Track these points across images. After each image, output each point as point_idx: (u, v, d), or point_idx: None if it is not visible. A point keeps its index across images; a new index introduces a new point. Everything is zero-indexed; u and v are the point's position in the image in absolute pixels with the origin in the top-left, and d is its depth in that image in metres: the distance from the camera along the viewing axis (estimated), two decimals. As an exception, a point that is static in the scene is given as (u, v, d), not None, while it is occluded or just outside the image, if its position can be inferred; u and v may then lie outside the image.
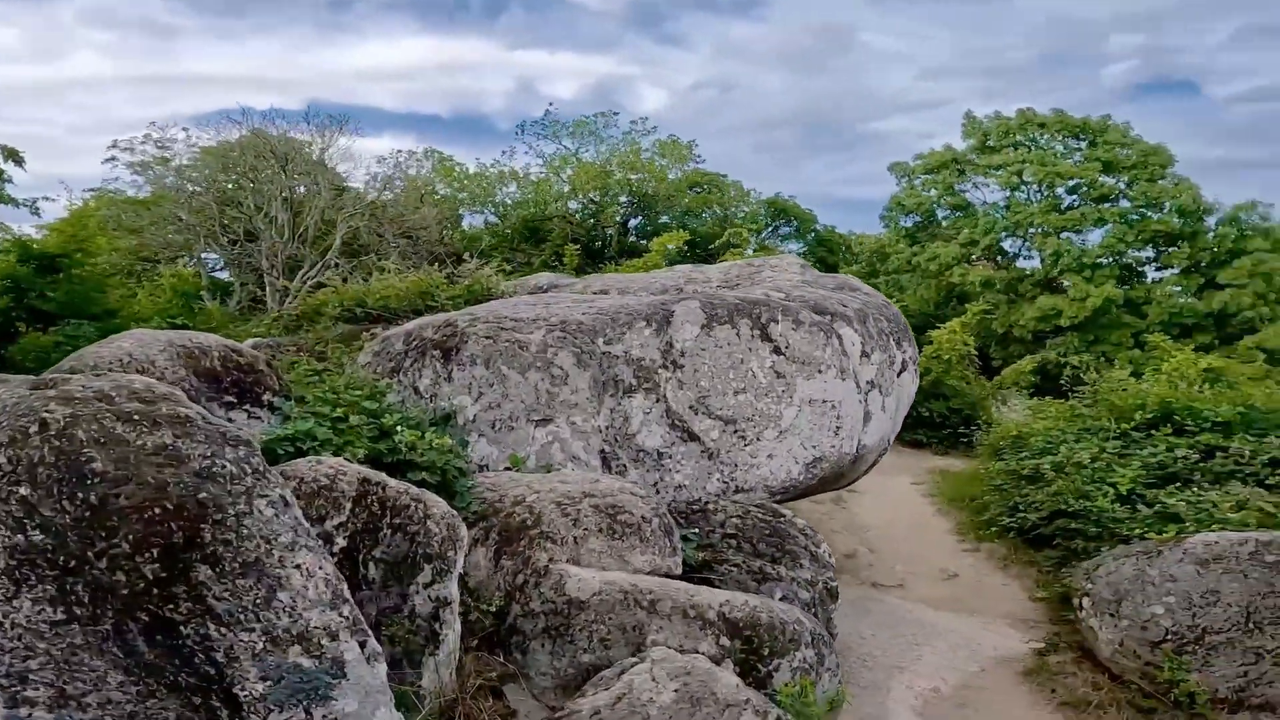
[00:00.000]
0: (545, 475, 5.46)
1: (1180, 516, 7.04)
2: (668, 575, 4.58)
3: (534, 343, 6.35)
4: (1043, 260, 19.76)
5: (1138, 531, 7.05)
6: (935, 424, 16.37)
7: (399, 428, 4.83)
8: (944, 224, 21.60)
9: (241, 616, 2.64)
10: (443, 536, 3.97)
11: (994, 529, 9.14)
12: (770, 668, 3.92)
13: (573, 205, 21.77)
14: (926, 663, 5.85)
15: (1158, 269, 19.32)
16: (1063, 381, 14.67)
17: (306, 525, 3.12)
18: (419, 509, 4.00)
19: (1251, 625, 4.92)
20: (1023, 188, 20.03)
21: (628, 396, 6.22)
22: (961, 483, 12.11)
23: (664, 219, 21.89)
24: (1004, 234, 20.17)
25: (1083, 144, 19.66)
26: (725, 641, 3.92)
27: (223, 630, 2.60)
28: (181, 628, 2.60)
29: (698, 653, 3.83)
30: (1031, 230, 19.66)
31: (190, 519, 2.73)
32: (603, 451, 6.10)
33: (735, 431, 6.01)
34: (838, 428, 5.92)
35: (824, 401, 5.92)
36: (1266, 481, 7.65)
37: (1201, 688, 4.89)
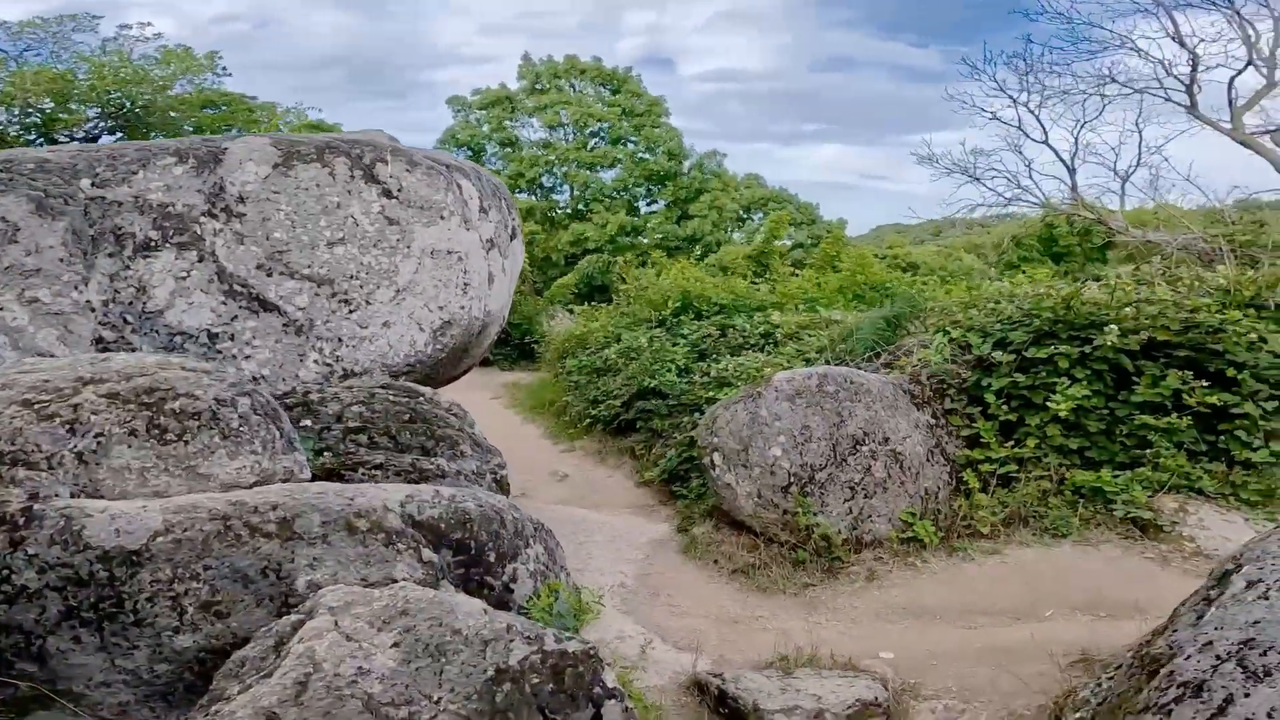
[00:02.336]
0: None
1: (729, 380, 7.93)
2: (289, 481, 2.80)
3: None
4: (573, 192, 21.23)
5: (704, 396, 7.71)
6: (499, 340, 16.19)
7: None
8: (493, 158, 21.43)
9: None
10: None
11: (584, 424, 9.25)
12: (505, 578, 2.57)
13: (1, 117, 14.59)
14: (598, 559, 5.19)
15: (649, 204, 22.59)
16: (609, 287, 15.88)
17: None
18: None
19: (838, 458, 5.10)
20: (561, 128, 21.02)
21: (145, 256, 3.88)
22: (537, 391, 12.17)
23: (158, 138, 16.31)
24: (544, 169, 20.96)
25: (608, 92, 21.52)
26: (430, 554, 2.38)
27: None
28: None
29: (393, 581, 2.29)
30: (564, 168, 20.88)
31: None
32: (101, 340, 3.71)
33: (335, 295, 4.23)
34: (466, 284, 4.61)
35: (449, 253, 4.55)
36: (765, 349, 9.26)
37: (833, 530, 4.89)
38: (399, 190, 4.52)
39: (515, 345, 15.96)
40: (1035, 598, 4.47)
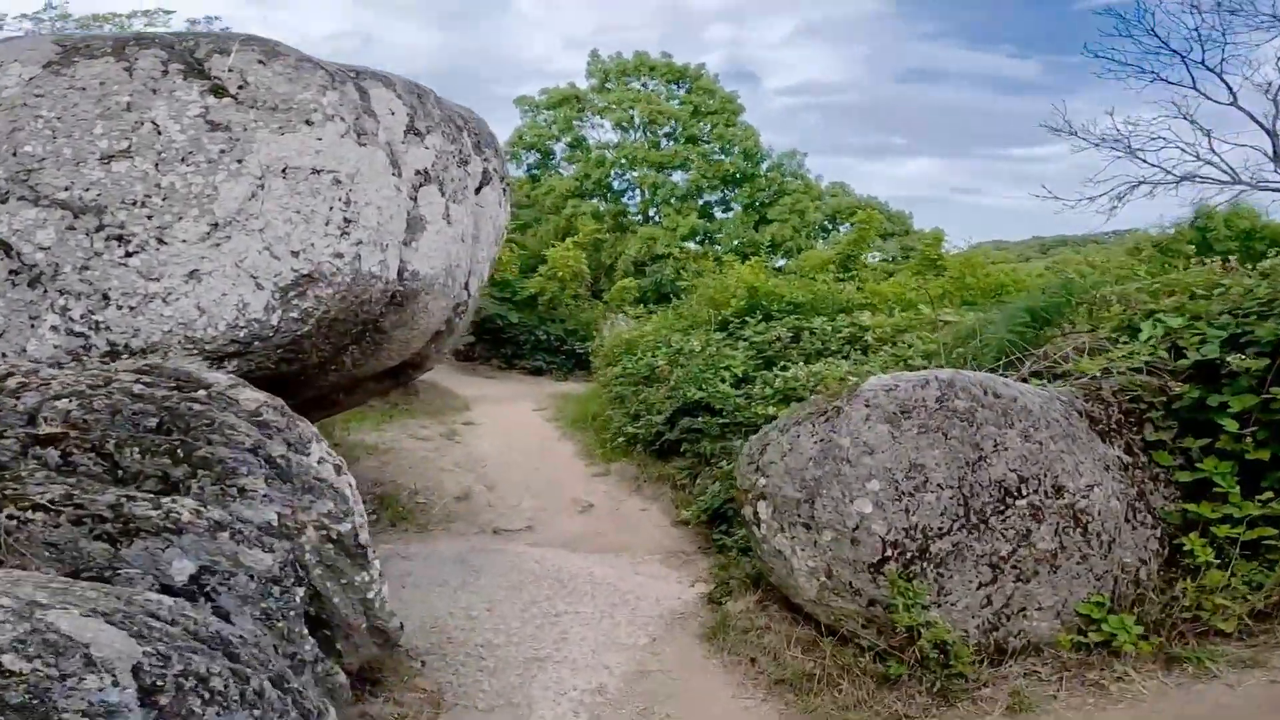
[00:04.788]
0: None
1: (798, 394, 5.75)
2: None
3: None
4: (643, 195, 19.45)
5: (763, 414, 5.61)
6: (553, 348, 14.59)
7: None
8: (561, 159, 20.05)
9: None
10: None
11: (620, 441, 7.49)
12: None
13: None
14: (577, 642, 3.43)
15: (724, 211, 20.54)
16: (677, 293, 14.02)
17: None
18: None
19: (974, 519, 2.98)
20: (631, 129, 19.37)
21: None
22: (583, 403, 10.48)
23: None
24: (613, 171, 19.32)
25: (681, 90, 19.69)
26: None
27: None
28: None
29: None
30: (634, 173, 19.19)
31: None
32: None
33: (101, 229, 2.51)
34: (347, 220, 2.74)
35: (316, 172, 2.72)
36: (850, 356, 7.02)
37: (954, 633, 2.88)
38: (240, 87, 2.77)
39: (569, 353, 14.24)
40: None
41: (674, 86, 19.72)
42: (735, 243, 18.61)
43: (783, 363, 6.95)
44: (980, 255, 13.86)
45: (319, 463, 2.39)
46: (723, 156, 19.20)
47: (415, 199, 3.28)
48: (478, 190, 4.05)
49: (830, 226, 21.05)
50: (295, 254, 2.65)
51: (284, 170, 2.68)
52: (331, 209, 2.73)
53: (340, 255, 2.72)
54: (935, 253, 15.05)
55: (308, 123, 2.74)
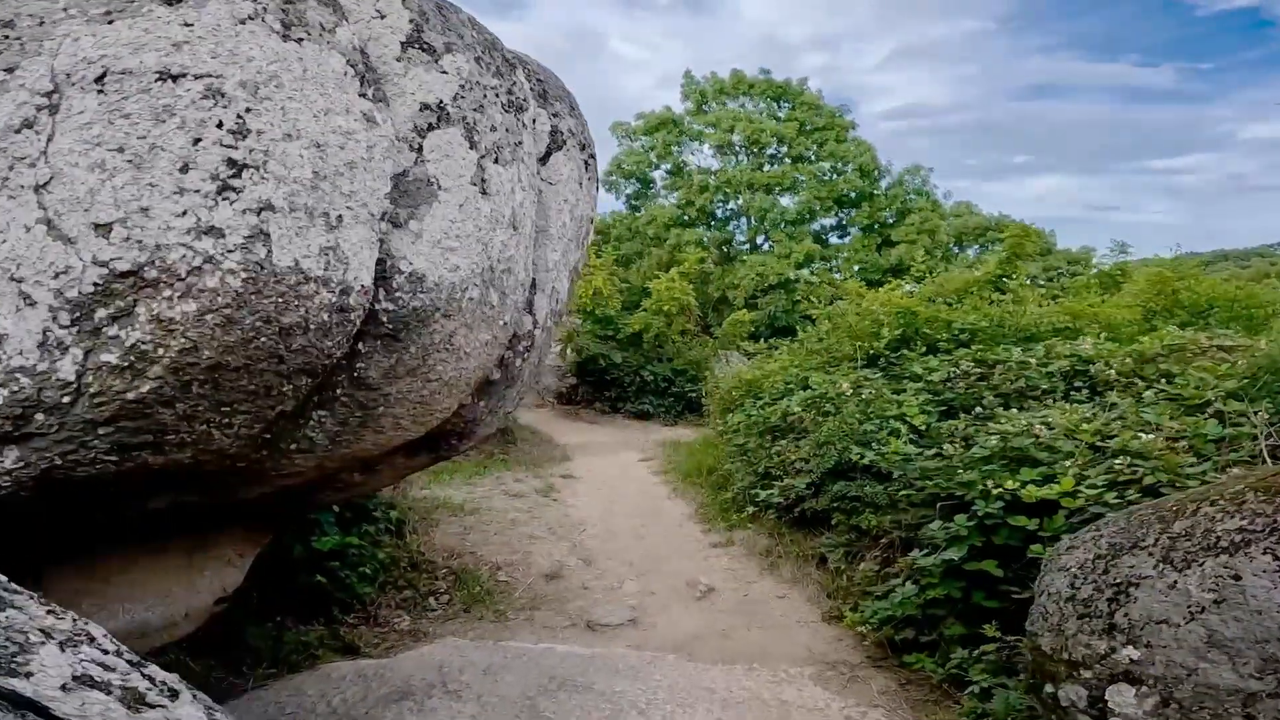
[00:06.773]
0: None
1: (1029, 454, 3.74)
2: None
3: None
4: (749, 221, 17.76)
5: (971, 484, 3.65)
6: (661, 390, 13.03)
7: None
8: (661, 187, 18.83)
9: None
10: None
11: (749, 509, 5.81)
12: None
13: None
14: None
15: (840, 236, 18.43)
16: (794, 328, 12.11)
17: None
18: None
19: None
20: (733, 152, 17.87)
21: None
22: (695, 453, 8.85)
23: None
24: (716, 196, 17.81)
25: (784, 108, 18.02)
26: None
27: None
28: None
29: None
30: (739, 200, 17.61)
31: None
32: None
33: None
34: (233, 165, 1.20)
35: (167, 77, 1.16)
36: (1072, 397, 4.91)
37: None
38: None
39: (678, 395, 12.60)
40: None
41: (775, 105, 18.05)
42: (856, 268, 16.47)
43: (975, 408, 4.96)
44: (1175, 267, 11.16)
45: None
46: (835, 176, 17.20)
47: (419, 149, 1.79)
48: (544, 158, 2.53)
49: (957, 250, 18.50)
50: (103, 229, 1.19)
51: (101, 78, 1.27)
52: (198, 143, 1.27)
53: (214, 232, 1.23)
54: (1118, 269, 12.45)
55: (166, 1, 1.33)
